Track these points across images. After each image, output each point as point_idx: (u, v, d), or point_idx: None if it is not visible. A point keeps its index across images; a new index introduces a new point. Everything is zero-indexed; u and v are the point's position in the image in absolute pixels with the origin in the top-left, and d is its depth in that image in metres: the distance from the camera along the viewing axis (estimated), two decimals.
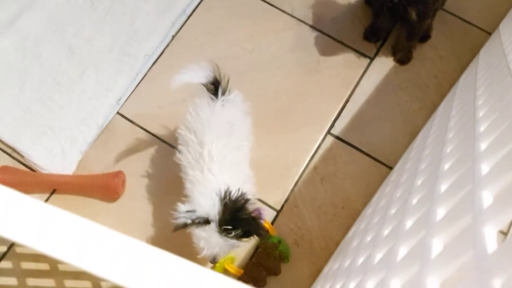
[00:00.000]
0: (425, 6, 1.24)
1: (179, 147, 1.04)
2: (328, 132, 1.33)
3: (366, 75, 1.40)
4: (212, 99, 1.02)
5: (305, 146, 1.31)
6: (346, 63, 1.40)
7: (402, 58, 1.38)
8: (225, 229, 0.91)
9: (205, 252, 0.94)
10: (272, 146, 1.30)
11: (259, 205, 1.23)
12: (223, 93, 1.02)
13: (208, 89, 1.03)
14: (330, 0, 1.47)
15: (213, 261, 1.00)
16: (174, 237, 1.18)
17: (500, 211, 0.44)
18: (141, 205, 1.24)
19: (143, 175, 1.26)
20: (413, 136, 1.28)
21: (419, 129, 1.28)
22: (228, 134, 0.99)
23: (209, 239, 0.92)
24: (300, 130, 1.32)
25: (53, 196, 1.25)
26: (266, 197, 1.25)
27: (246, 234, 0.94)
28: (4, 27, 1.39)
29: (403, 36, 1.35)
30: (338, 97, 1.37)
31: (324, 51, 1.40)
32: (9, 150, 1.30)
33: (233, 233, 0.91)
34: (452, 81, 1.33)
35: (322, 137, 1.32)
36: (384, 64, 1.41)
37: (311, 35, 1.43)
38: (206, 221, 0.91)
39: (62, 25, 1.42)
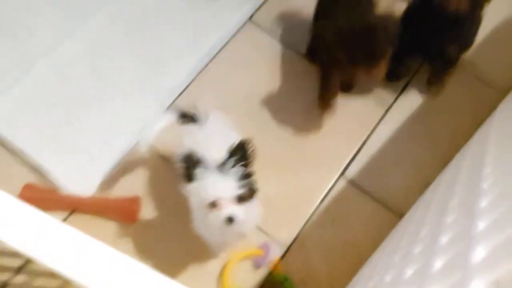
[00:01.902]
0: (466, 40, 1.27)
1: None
2: (342, 174, 1.39)
3: (383, 121, 1.46)
4: (197, 125, 1.13)
5: (318, 186, 1.37)
6: (365, 107, 1.47)
7: (438, 89, 1.43)
8: (223, 164, 0.96)
9: (215, 194, 0.96)
10: (285, 184, 1.37)
11: (268, 240, 1.28)
12: (202, 117, 1.14)
13: (186, 122, 1.15)
14: None
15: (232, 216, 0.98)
16: (186, 264, 1.25)
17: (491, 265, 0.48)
18: (156, 230, 1.31)
19: (160, 200, 1.33)
20: (424, 186, 1.32)
21: (431, 180, 1.32)
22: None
23: (213, 179, 0.96)
24: (314, 170, 1.39)
25: (72, 215, 1.32)
26: (276, 234, 1.30)
27: (241, 160, 0.98)
28: (47, 51, 1.51)
29: (437, 70, 1.39)
30: (354, 140, 1.44)
31: (344, 94, 1.46)
32: (34, 168, 1.38)
33: (228, 162, 0.96)
34: (467, 137, 1.37)
35: (335, 179, 1.38)
36: (401, 112, 1.47)
37: None
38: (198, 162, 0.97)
39: (97, 52, 1.53)
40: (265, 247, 1.27)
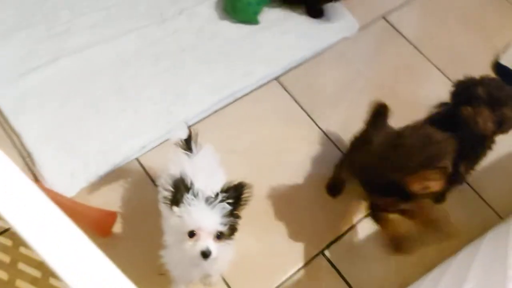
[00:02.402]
0: (477, 159, 1.27)
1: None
2: (322, 252, 1.35)
3: None
4: (187, 154, 1.14)
5: (296, 256, 1.33)
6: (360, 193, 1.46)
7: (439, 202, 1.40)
8: (214, 196, 0.94)
9: (197, 224, 0.93)
10: (264, 244, 1.34)
11: None
12: (196, 147, 1.16)
13: (182, 146, 1.15)
14: None
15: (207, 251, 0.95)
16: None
17: None
18: (124, 249, 1.26)
19: (134, 220, 1.29)
20: (401, 286, 1.29)
21: (409, 283, 1.28)
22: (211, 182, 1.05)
23: (199, 208, 0.93)
24: (297, 239, 1.36)
25: None
26: None
27: (233, 199, 0.96)
28: (75, 51, 1.56)
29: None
30: (343, 222, 1.42)
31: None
32: (25, 154, 1.36)
33: (220, 197, 0.94)
34: (454, 249, 1.36)
35: (314, 254, 1.35)
36: None
37: (337, 155, 1.52)
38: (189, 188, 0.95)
39: (123, 66, 1.57)
40: None
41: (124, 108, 1.49)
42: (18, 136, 1.39)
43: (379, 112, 1.25)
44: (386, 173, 1.09)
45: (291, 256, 1.34)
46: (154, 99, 1.52)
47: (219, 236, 0.95)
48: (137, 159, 1.42)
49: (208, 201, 0.94)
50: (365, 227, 1.42)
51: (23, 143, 1.38)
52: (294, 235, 1.37)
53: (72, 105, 1.47)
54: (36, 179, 1.33)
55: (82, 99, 1.49)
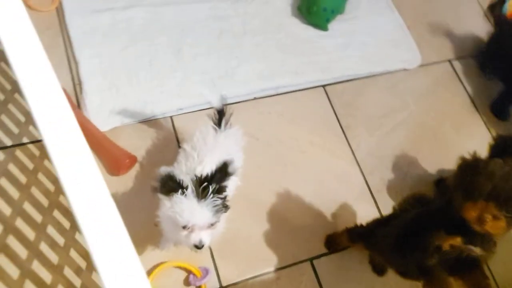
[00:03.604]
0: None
1: (179, 158, 1.19)
2: (311, 259, 1.39)
3: None
4: (215, 129, 1.19)
5: (285, 254, 1.38)
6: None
7: None
8: (203, 189, 0.96)
9: (190, 222, 0.97)
10: (260, 232, 1.40)
11: (210, 268, 1.29)
12: (225, 125, 1.20)
13: (213, 119, 1.20)
14: (385, 162, 1.59)
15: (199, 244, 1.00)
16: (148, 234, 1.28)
17: None
18: (129, 195, 1.36)
19: (151, 172, 1.38)
20: None
21: None
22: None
23: (190, 207, 0.96)
24: (291, 239, 1.41)
25: None
26: (222, 267, 1.32)
27: (220, 188, 0.99)
28: (150, 4, 1.69)
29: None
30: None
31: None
32: (77, 81, 1.49)
33: (210, 189, 0.96)
34: None
35: (303, 259, 1.39)
36: None
37: (357, 177, 1.54)
38: (180, 185, 0.97)
39: (188, 31, 1.67)
40: (204, 272, 1.28)
41: (176, 69, 1.59)
42: (76, 64, 1.52)
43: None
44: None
45: (280, 252, 1.38)
46: (204, 69, 1.61)
47: (212, 225, 1.01)
48: (171, 118, 1.51)
49: (199, 197, 0.97)
50: (359, 252, 1.43)
51: (79, 71, 1.51)
52: (290, 234, 1.42)
53: (131, 52, 1.59)
54: (78, 105, 1.46)
55: (141, 50, 1.60)
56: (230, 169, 1.02)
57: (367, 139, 1.63)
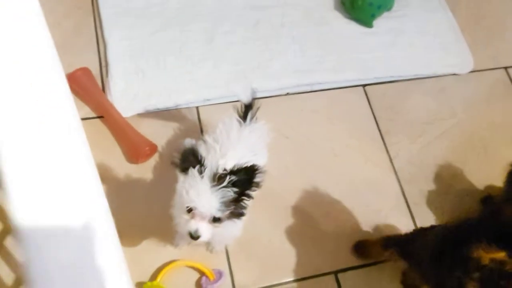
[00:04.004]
0: None
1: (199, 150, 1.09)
2: (335, 273, 1.28)
3: None
4: (240, 122, 1.11)
5: (307, 264, 1.28)
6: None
7: None
8: (219, 178, 0.89)
9: (192, 204, 0.90)
10: (281, 238, 1.30)
11: (225, 272, 1.20)
12: (251, 119, 1.12)
13: (238, 111, 1.13)
14: (426, 173, 1.46)
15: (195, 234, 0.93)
16: (142, 231, 1.21)
17: None
18: (145, 185, 1.30)
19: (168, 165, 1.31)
20: None
21: None
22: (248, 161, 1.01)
23: (199, 188, 0.89)
24: (315, 248, 1.30)
25: (97, 120, 1.36)
26: (238, 273, 1.23)
27: (244, 182, 0.91)
28: None
29: None
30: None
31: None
32: (103, 63, 1.44)
33: (226, 179, 0.89)
34: None
35: (327, 271, 1.28)
36: None
37: (394, 187, 1.41)
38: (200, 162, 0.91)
39: (223, 19, 1.60)
40: (218, 275, 1.19)
41: (206, 58, 1.51)
42: (105, 45, 1.47)
43: None
44: None
45: (302, 261, 1.28)
46: (236, 60, 1.53)
47: (215, 219, 0.92)
48: (197, 108, 1.44)
49: (212, 182, 0.89)
50: (390, 268, 1.31)
51: (106, 53, 1.46)
52: (315, 243, 1.31)
53: (162, 36, 1.52)
54: (103, 88, 1.40)
55: (172, 35, 1.54)
56: (256, 177, 0.92)
57: (407, 146, 1.49)
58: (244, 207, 0.96)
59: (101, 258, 0.60)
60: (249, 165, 0.92)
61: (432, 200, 1.42)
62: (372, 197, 1.39)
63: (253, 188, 0.94)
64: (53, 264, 0.44)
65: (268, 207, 1.31)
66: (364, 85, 1.57)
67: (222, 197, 0.89)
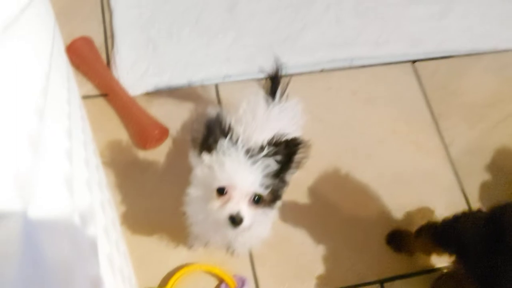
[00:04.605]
0: None
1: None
2: (381, 282, 1.08)
3: None
4: (268, 100, 0.94)
5: (347, 273, 1.08)
6: None
7: None
8: (255, 151, 0.74)
9: (228, 181, 0.73)
10: (316, 240, 1.10)
11: (249, 279, 1.01)
12: (281, 96, 0.95)
13: (266, 88, 0.96)
14: (487, 163, 1.24)
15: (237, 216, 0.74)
16: (152, 228, 1.04)
17: None
18: (155, 174, 1.12)
19: (184, 148, 1.13)
20: None
21: None
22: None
23: (235, 162, 0.73)
24: (356, 252, 1.10)
25: (101, 98, 1.19)
26: (263, 280, 1.05)
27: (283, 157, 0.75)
28: None
29: None
30: (420, 260, 1.11)
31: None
32: (109, 34, 1.27)
33: (265, 150, 0.74)
34: None
35: (371, 280, 1.08)
36: None
37: (449, 179, 1.20)
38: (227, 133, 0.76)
39: None
40: (240, 282, 1.01)
41: (227, 29, 1.33)
42: (111, 13, 1.30)
43: None
44: None
45: (340, 268, 1.08)
46: (261, 31, 1.33)
47: (257, 200, 0.74)
48: (216, 86, 1.25)
49: (250, 153, 0.73)
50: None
51: (112, 22, 1.29)
52: (356, 246, 1.11)
53: (176, 4, 1.35)
54: (108, 62, 1.23)
55: (189, 2, 1.35)
56: (298, 153, 0.76)
57: (465, 132, 1.27)
58: (284, 187, 0.79)
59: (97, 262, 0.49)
60: (290, 138, 0.75)
61: (495, 195, 1.20)
62: (424, 190, 1.19)
63: (294, 166, 0.77)
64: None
65: (300, 204, 1.12)
66: (412, 61, 1.36)
67: (264, 169, 0.73)
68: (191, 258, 1.03)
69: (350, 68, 1.33)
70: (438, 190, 1.20)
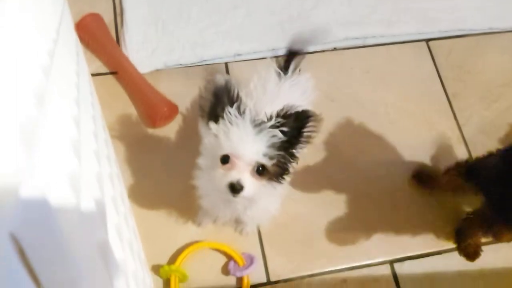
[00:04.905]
0: None
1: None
2: (391, 262, 1.07)
3: None
4: (280, 74, 0.94)
5: (358, 250, 1.07)
6: None
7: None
8: (262, 122, 0.74)
9: (232, 149, 0.73)
10: (330, 219, 1.10)
11: (257, 257, 1.02)
12: (294, 70, 0.95)
13: (278, 62, 0.96)
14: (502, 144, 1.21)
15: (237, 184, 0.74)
16: (160, 205, 1.05)
17: None
18: (164, 150, 1.12)
19: (194, 127, 1.13)
20: None
21: None
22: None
23: (240, 130, 0.73)
24: (370, 230, 1.10)
25: (109, 76, 1.19)
26: (272, 258, 1.05)
27: (292, 130, 0.75)
28: None
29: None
30: (433, 242, 1.10)
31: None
32: (118, 11, 1.27)
33: (272, 121, 0.74)
34: None
35: (381, 260, 1.07)
36: None
37: (461, 157, 1.18)
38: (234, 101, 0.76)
39: None
40: (248, 260, 1.01)
41: (237, 6, 1.31)
42: None
43: None
44: None
45: (349, 247, 1.08)
46: (272, 8, 1.32)
47: (260, 171, 0.74)
48: (226, 64, 1.25)
49: (255, 122, 0.73)
50: (455, 258, 1.09)
51: (122, 3, 1.28)
52: (365, 226, 1.10)
53: None
54: (117, 40, 1.23)
55: None
56: (308, 126, 0.75)
57: (480, 112, 1.25)
58: (291, 162, 0.78)
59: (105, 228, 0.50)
60: (300, 110, 0.74)
61: None
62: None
63: (304, 140, 0.76)
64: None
65: (309, 182, 1.12)
66: (427, 40, 1.33)
67: (269, 139, 0.73)
68: (200, 235, 1.04)
69: (363, 46, 1.31)
70: None
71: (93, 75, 1.16)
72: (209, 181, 0.81)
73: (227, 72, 1.24)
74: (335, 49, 1.30)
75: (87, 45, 1.18)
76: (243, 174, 0.73)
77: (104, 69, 1.20)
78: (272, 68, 0.96)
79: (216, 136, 0.76)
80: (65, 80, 0.56)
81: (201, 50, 1.24)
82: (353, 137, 1.19)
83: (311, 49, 1.26)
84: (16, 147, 0.29)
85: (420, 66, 1.30)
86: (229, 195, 0.75)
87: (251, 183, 0.74)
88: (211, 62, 1.24)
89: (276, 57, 0.99)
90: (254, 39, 1.27)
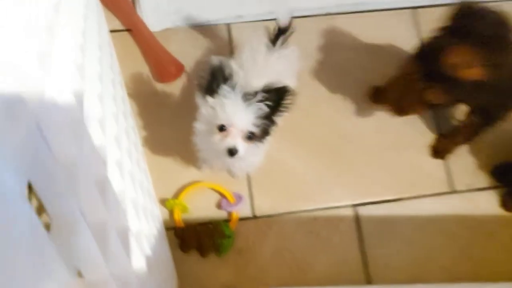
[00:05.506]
0: None
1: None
2: (355, 205, 1.31)
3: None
4: (268, 46, 1.10)
5: (326, 195, 1.31)
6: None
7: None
8: (251, 95, 0.94)
9: (228, 120, 0.94)
10: (304, 168, 1.33)
11: (245, 196, 1.26)
12: (281, 43, 1.12)
13: (270, 33, 1.12)
14: None
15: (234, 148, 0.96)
16: (166, 152, 1.28)
17: None
18: (170, 104, 1.33)
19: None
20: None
21: (423, 281, 1.22)
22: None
23: (234, 104, 0.93)
24: (339, 179, 1.33)
25: (126, 33, 1.36)
26: (257, 197, 1.29)
27: (272, 102, 0.96)
28: None
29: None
30: (395, 189, 1.33)
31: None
32: None
33: (258, 96, 0.94)
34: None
35: (347, 204, 1.31)
36: None
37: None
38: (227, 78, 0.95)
39: None
40: (238, 198, 1.26)
41: None
42: None
43: None
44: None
45: (321, 192, 1.31)
46: None
47: (250, 136, 0.96)
48: (227, 25, 1.41)
49: (245, 97, 0.93)
50: (412, 207, 1.33)
51: None
52: (337, 175, 1.33)
53: None
54: (133, 1, 1.39)
55: None
56: (286, 99, 0.96)
57: None
58: (272, 126, 1.00)
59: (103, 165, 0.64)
60: (280, 86, 0.94)
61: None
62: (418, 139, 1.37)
63: (282, 109, 0.97)
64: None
65: (294, 136, 1.33)
66: (414, 7, 1.46)
67: (257, 111, 0.94)
68: (199, 177, 1.28)
69: (355, 12, 1.45)
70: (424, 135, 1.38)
71: (112, 31, 1.34)
72: (206, 141, 1.03)
73: (229, 32, 1.40)
74: (327, 14, 1.43)
75: (106, 6, 1.34)
76: (237, 140, 0.96)
77: (121, 27, 1.37)
78: (262, 39, 1.12)
79: (212, 108, 0.97)
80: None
81: (208, 11, 1.39)
82: (338, 99, 1.37)
83: (305, 13, 1.41)
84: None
85: (404, 34, 1.44)
86: (227, 157, 0.97)
87: (243, 147, 0.96)
88: (216, 23, 1.40)
89: (272, 19, 1.14)
90: (254, 2, 1.40)
